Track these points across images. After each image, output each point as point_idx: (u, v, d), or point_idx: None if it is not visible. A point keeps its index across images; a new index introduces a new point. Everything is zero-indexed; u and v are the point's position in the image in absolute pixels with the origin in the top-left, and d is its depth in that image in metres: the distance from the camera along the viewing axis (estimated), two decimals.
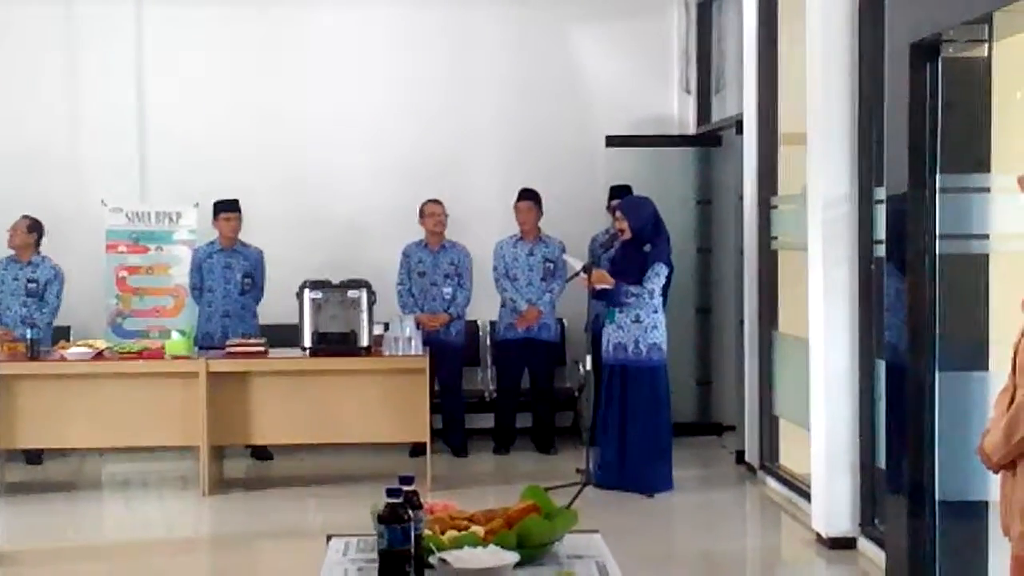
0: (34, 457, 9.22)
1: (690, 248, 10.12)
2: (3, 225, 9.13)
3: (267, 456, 9.37)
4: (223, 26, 10.21)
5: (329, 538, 3.53)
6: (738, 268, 8.98)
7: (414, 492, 3.01)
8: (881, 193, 6.27)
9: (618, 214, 8.28)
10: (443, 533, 3.21)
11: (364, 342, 8.20)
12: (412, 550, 2.90)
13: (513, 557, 3.01)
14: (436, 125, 10.27)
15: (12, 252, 9.08)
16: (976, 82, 5.63)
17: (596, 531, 3.57)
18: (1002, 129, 5.63)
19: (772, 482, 8.21)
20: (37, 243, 9.14)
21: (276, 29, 10.25)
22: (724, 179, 9.78)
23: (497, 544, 3.11)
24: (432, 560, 3.00)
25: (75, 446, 8.86)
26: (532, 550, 3.19)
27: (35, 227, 9.11)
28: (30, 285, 9.04)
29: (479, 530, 3.23)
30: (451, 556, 3.00)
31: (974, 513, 5.55)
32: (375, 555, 2.97)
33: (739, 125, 8.99)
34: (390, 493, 2.89)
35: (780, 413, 8.30)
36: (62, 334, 9.20)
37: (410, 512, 2.91)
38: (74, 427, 8.14)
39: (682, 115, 10.52)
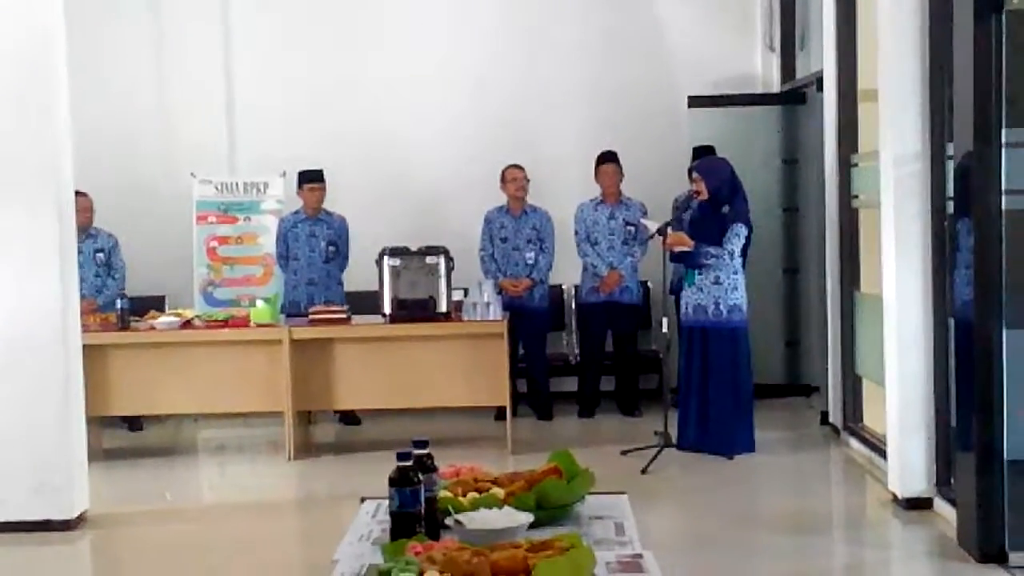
0: (135, 423, 9.52)
1: (775, 208, 10.02)
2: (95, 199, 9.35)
3: (355, 421, 9.54)
4: (306, 1, 10.33)
5: (363, 500, 3.62)
6: (823, 228, 8.87)
7: (428, 456, 3.07)
8: (952, 150, 6.16)
9: (695, 176, 8.23)
10: (465, 495, 3.27)
11: (443, 308, 8.29)
12: (422, 511, 2.97)
13: (527, 518, 3.06)
14: (516, 89, 10.30)
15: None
16: None
17: (623, 492, 3.58)
18: None
19: (855, 443, 8.14)
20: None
21: (356, 1, 10.35)
22: (809, 137, 9.63)
23: (515, 506, 3.16)
24: (448, 521, 3.07)
25: (166, 412, 9.16)
26: (551, 511, 3.24)
27: (89, 201, 9.32)
28: (99, 255, 9.30)
29: (499, 492, 3.28)
30: (466, 517, 3.06)
31: None
32: None
33: (821, 82, 8.86)
34: (400, 456, 2.97)
35: (862, 373, 8.22)
36: (156, 304, 9.44)
37: (420, 475, 2.97)
38: (164, 394, 8.38)
39: (766, 73, 10.40)
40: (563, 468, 3.41)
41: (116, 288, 9.22)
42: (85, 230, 9.28)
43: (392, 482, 2.96)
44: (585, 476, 3.36)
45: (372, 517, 3.43)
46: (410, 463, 2.97)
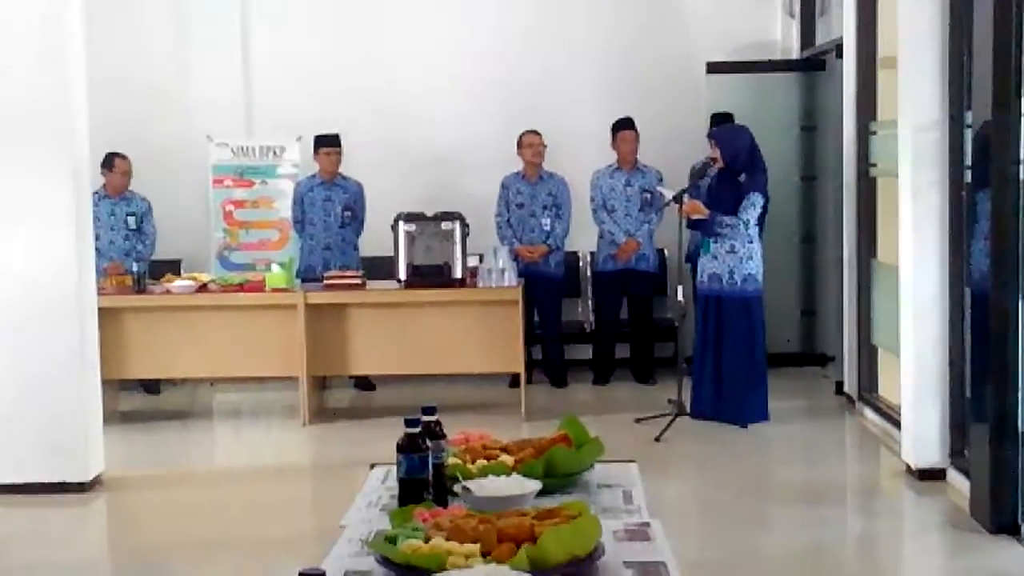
0: (152, 387, 9.55)
1: (794, 176, 9.97)
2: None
3: (370, 387, 9.56)
4: None
5: (372, 466, 3.62)
6: (840, 196, 8.82)
7: (436, 422, 3.07)
8: (971, 119, 6.11)
9: (712, 143, 8.19)
10: (474, 462, 3.27)
11: (458, 274, 8.29)
12: (430, 478, 2.97)
13: (535, 486, 3.06)
14: (533, 54, 10.24)
15: (104, 188, 9.26)
16: None
17: (632, 460, 3.58)
18: None
19: (870, 413, 8.12)
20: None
21: None
22: (829, 105, 9.56)
23: (524, 473, 3.15)
24: (456, 488, 3.07)
25: (181, 376, 9.18)
26: (559, 479, 3.23)
27: (129, 164, 9.35)
28: (130, 219, 9.31)
29: (508, 460, 3.28)
30: (474, 484, 3.05)
31: None
32: None
33: (840, 49, 8.79)
34: (408, 423, 2.96)
35: (878, 342, 8.19)
36: (172, 267, 9.47)
37: (428, 442, 2.97)
38: (180, 358, 8.42)
39: (785, 39, 10.32)
40: (572, 435, 3.40)
41: (146, 253, 9.26)
42: (121, 193, 9.31)
43: (400, 448, 2.96)
44: (594, 444, 3.35)
45: (382, 483, 3.43)
46: (418, 430, 2.96)
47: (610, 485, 3.33)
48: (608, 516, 2.97)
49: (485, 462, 3.26)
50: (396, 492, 3.13)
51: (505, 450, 3.38)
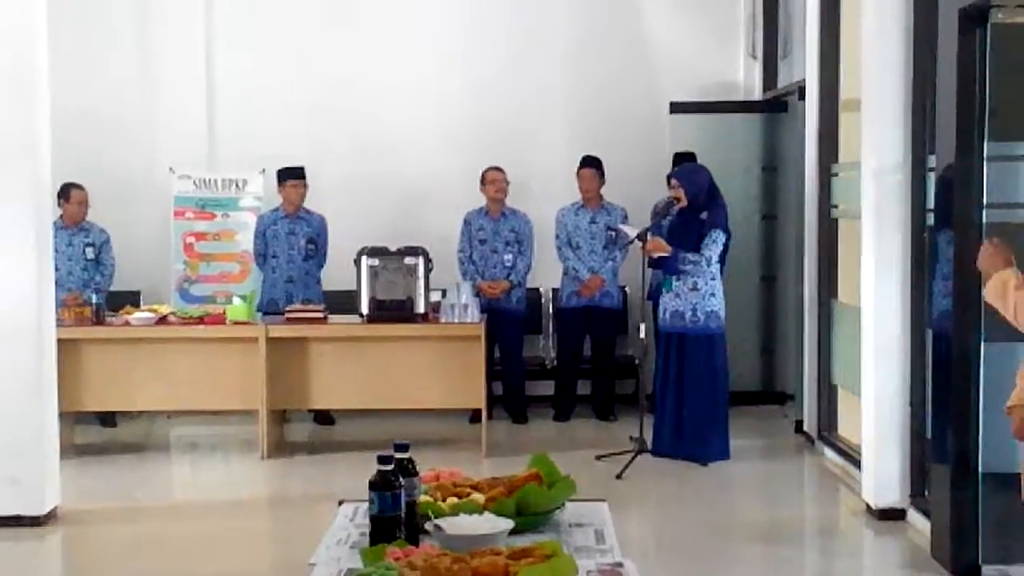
0: (108, 419, 9.45)
1: (755, 215, 10.05)
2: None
3: (330, 421, 9.51)
4: None
5: (340, 503, 3.59)
6: (801, 237, 8.89)
7: (409, 459, 3.05)
8: (934, 162, 6.18)
9: (673, 182, 8.24)
10: (445, 500, 3.25)
11: (420, 309, 8.28)
12: (402, 516, 2.95)
13: (507, 524, 3.05)
14: (499, 92, 10.28)
15: (61, 219, 9.16)
16: None
17: (603, 500, 3.57)
18: None
19: (829, 452, 8.15)
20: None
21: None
22: (790, 146, 9.66)
23: (495, 512, 3.14)
24: (428, 526, 3.05)
25: (139, 409, 9.10)
26: (531, 518, 3.22)
27: (86, 194, 9.27)
28: (88, 250, 9.23)
29: (479, 498, 3.26)
30: (446, 522, 3.04)
31: (1018, 486, 5.48)
32: None
33: (802, 91, 8.88)
34: (381, 460, 2.94)
35: (837, 382, 8.24)
36: (131, 299, 9.37)
37: (401, 479, 2.95)
38: (138, 390, 8.33)
39: (748, 81, 10.42)
40: (543, 474, 3.39)
41: (105, 284, 9.17)
42: (78, 223, 9.22)
43: (372, 486, 2.94)
44: (566, 483, 3.34)
45: (350, 520, 3.40)
46: (391, 467, 2.94)
47: (581, 524, 3.32)
48: (581, 556, 2.96)
49: (456, 500, 3.25)
50: (366, 530, 3.11)
51: (476, 488, 3.37)
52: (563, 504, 3.35)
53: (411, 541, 2.97)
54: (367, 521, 3.26)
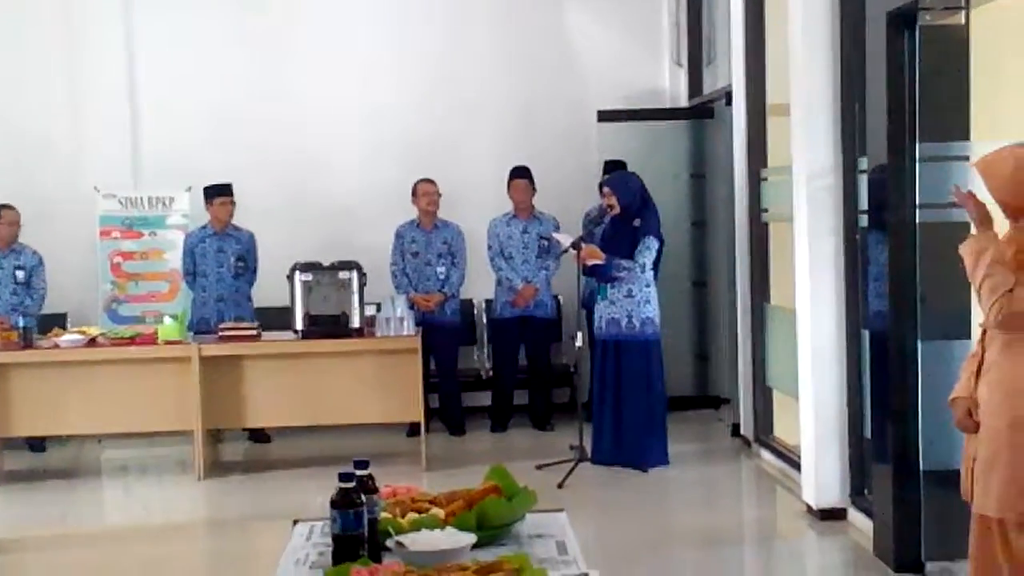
0: (37, 444, 9.26)
1: (684, 222, 10.10)
2: None
3: (265, 439, 9.40)
4: (214, 9, 10.20)
5: (295, 523, 3.54)
6: (732, 241, 8.95)
7: (369, 476, 3.02)
8: (865, 164, 6.25)
9: (606, 190, 8.26)
10: (404, 516, 3.22)
11: (355, 323, 8.21)
12: (365, 534, 2.91)
13: (470, 539, 3.02)
14: (428, 104, 10.25)
15: None
16: (953, 50, 5.63)
17: (561, 510, 3.55)
18: (980, 96, 5.60)
19: (767, 454, 8.21)
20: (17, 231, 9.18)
21: (266, 11, 10.22)
22: (717, 151, 9.74)
23: (456, 526, 3.11)
24: (389, 543, 3.01)
25: (71, 433, 8.94)
26: (492, 531, 3.19)
27: (17, 215, 9.12)
28: (18, 273, 9.06)
29: (439, 512, 3.23)
30: (408, 539, 3.01)
31: (959, 482, 5.56)
32: None
33: (729, 97, 8.95)
34: (343, 478, 2.90)
35: (773, 385, 8.30)
36: (58, 321, 9.22)
37: (363, 497, 2.92)
38: (70, 414, 8.18)
39: (674, 88, 10.49)
40: (502, 486, 3.37)
41: (35, 308, 9.00)
42: (10, 245, 9.05)
43: (334, 504, 2.90)
44: (526, 494, 3.33)
45: (307, 540, 3.35)
46: (352, 484, 2.91)
47: (541, 535, 3.30)
48: (544, 567, 2.94)
49: (416, 515, 3.21)
50: (324, 549, 3.08)
51: (434, 502, 3.34)
52: (523, 516, 3.32)
53: (373, 559, 2.94)
54: (324, 540, 3.24)
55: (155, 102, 10.10)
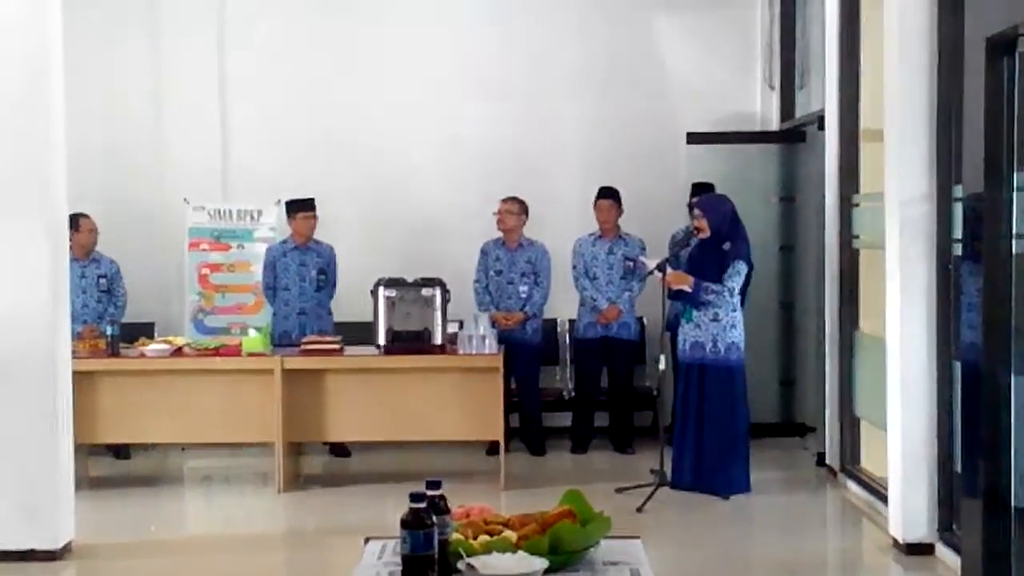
0: (121, 452, 9.37)
1: (773, 246, 9.95)
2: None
3: (345, 453, 9.42)
4: (302, 27, 10.29)
5: (367, 540, 3.51)
6: (820, 267, 8.81)
7: (441, 496, 2.98)
8: (960, 192, 6.11)
9: (696, 212, 8.16)
10: (476, 538, 3.17)
11: (438, 340, 8.20)
12: (435, 555, 2.86)
13: (542, 564, 2.96)
14: (516, 122, 10.24)
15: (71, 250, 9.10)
16: None
17: (637, 537, 3.48)
18: None
19: (853, 485, 8.05)
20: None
21: (354, 29, 10.29)
22: (808, 176, 9.59)
23: (528, 550, 3.06)
24: (459, 565, 2.97)
25: (154, 441, 9.05)
26: (565, 556, 3.13)
27: (94, 223, 9.24)
28: (102, 281, 9.19)
29: (511, 535, 3.18)
30: (478, 561, 2.96)
31: None
32: None
33: (821, 121, 8.82)
34: (413, 498, 2.86)
35: (861, 414, 8.14)
36: (145, 330, 9.32)
37: (433, 517, 2.87)
38: (153, 423, 8.24)
39: (765, 111, 10.37)
40: (576, 510, 3.30)
41: (118, 315, 9.12)
42: (89, 253, 9.19)
43: (404, 524, 2.86)
44: (600, 520, 3.26)
45: (378, 559, 3.32)
46: (423, 504, 2.86)
47: (616, 562, 3.23)
48: None
49: (488, 537, 3.16)
50: (395, 568, 3.04)
51: (507, 525, 3.28)
52: (598, 542, 3.26)
53: None
54: (396, 559, 3.20)
55: (246, 116, 10.21)
